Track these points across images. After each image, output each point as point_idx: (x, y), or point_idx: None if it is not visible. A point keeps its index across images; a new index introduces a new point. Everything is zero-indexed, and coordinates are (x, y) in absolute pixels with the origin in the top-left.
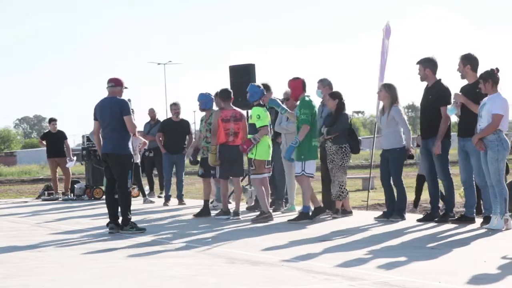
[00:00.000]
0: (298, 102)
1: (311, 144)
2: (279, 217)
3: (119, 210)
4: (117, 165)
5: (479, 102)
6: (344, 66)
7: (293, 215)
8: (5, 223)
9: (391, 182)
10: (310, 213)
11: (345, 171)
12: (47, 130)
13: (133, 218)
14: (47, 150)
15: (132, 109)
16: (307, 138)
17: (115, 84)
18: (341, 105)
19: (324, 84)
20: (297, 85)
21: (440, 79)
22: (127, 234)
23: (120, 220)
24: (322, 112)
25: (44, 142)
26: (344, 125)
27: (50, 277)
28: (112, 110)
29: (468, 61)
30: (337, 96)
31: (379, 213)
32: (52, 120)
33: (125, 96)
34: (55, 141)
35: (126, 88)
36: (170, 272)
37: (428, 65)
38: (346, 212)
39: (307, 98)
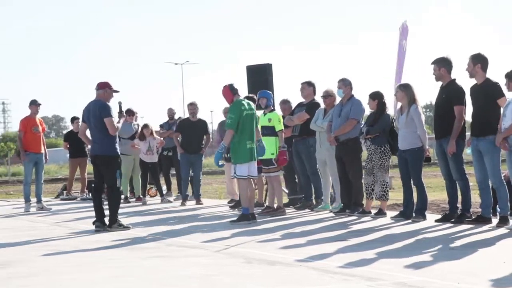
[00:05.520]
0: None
1: (245, 147)
2: (307, 216)
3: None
4: (105, 166)
5: (491, 101)
6: (360, 66)
7: (325, 213)
8: (24, 222)
9: (412, 182)
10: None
11: (387, 170)
12: (69, 130)
13: (152, 218)
14: (70, 151)
15: (122, 111)
16: (240, 141)
17: (99, 87)
18: (381, 106)
19: (346, 83)
20: (225, 91)
21: (454, 79)
22: (115, 231)
23: (107, 219)
24: (340, 111)
25: (68, 145)
26: (385, 125)
27: (69, 276)
28: (94, 113)
29: (478, 61)
30: (377, 96)
31: (397, 213)
32: (75, 119)
33: (134, 97)
34: (78, 141)
35: (115, 91)
36: (187, 272)
37: (442, 65)
38: (365, 212)
39: (236, 100)
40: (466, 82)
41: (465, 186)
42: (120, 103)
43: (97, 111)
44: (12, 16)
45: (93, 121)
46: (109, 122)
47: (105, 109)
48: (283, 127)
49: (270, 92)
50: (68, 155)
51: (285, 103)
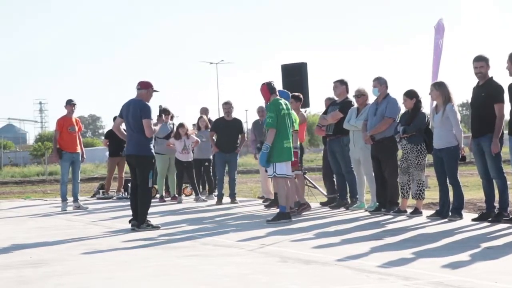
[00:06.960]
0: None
1: (282, 146)
2: (342, 215)
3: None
4: (139, 166)
5: None
6: (396, 67)
7: (360, 212)
8: (61, 221)
9: (447, 181)
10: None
11: (423, 169)
12: (111, 128)
13: (187, 217)
14: (109, 149)
15: (161, 115)
16: (277, 141)
17: (141, 87)
18: (418, 104)
19: (381, 82)
20: (263, 90)
21: (492, 77)
22: (143, 231)
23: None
24: (376, 110)
25: (107, 142)
26: (421, 124)
27: (105, 275)
28: (134, 113)
29: None
30: (413, 95)
31: (433, 212)
32: None
33: (169, 98)
34: (118, 140)
35: (155, 91)
36: (222, 271)
37: (489, 62)
38: (400, 211)
39: (274, 100)
40: (501, 80)
41: (503, 184)
42: (160, 107)
43: (138, 111)
44: (49, 16)
45: (131, 121)
46: (147, 124)
47: (146, 110)
48: (297, 128)
49: (286, 91)
50: (107, 153)
51: (329, 100)
